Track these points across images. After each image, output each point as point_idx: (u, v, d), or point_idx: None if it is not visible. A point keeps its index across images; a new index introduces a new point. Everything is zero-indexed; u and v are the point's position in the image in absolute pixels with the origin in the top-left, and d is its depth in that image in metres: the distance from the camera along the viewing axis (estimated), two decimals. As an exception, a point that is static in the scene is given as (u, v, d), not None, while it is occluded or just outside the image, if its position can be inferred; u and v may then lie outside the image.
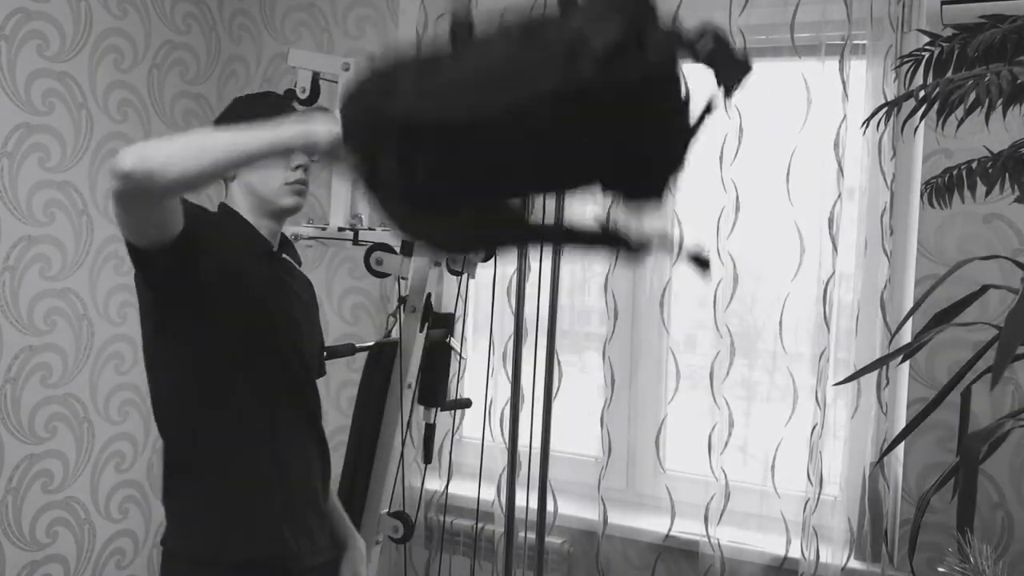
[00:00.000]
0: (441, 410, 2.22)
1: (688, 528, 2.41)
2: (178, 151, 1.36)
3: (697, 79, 1.07)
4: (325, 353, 1.98)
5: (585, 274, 2.74)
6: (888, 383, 2.19)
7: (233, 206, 1.76)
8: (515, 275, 2.25)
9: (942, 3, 1.97)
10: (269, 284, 1.75)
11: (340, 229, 2.30)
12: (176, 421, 1.70)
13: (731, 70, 1.06)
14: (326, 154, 1.36)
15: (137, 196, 1.36)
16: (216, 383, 1.67)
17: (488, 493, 2.54)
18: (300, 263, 1.89)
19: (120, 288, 2.76)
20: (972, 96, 1.33)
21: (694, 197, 2.45)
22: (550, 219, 1.45)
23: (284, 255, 1.83)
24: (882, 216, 2.18)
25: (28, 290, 2.52)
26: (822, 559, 2.24)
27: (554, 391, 2.37)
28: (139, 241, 1.49)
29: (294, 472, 1.74)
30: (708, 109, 1.07)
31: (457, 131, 1.07)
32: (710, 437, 2.38)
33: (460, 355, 2.47)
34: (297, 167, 1.75)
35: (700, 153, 2.35)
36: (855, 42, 2.21)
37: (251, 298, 1.70)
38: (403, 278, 2.06)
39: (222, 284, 1.65)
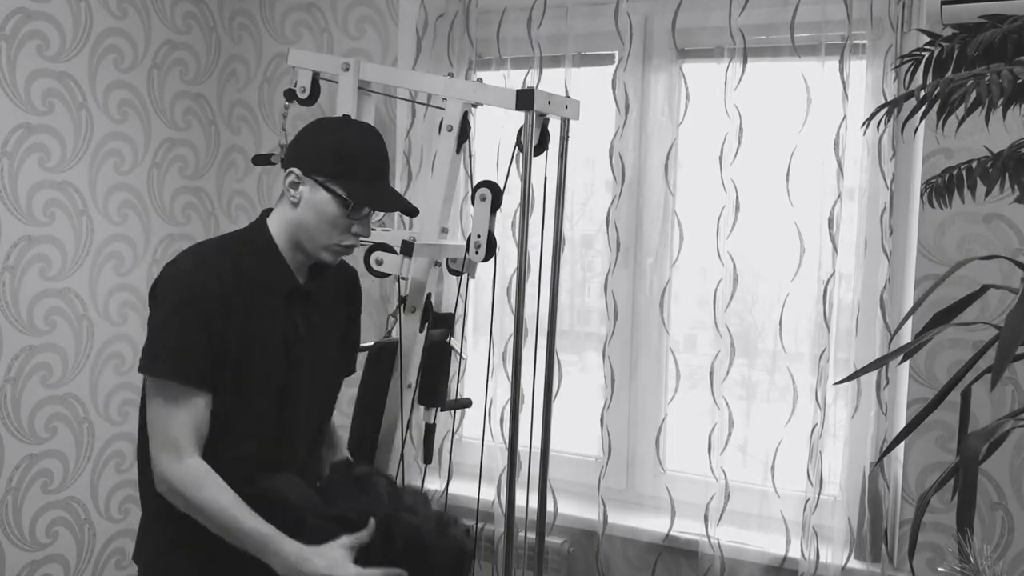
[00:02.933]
0: (441, 410, 2.22)
1: (688, 528, 2.41)
2: (203, 516, 1.61)
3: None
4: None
5: (585, 274, 2.74)
6: (888, 383, 2.19)
7: (273, 226, 1.72)
8: (515, 275, 2.26)
9: (942, 3, 1.97)
10: (283, 339, 1.72)
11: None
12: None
13: None
14: None
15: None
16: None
17: (488, 493, 2.54)
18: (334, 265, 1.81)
19: (120, 288, 2.76)
20: (972, 96, 1.33)
21: (694, 197, 2.45)
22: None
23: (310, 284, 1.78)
24: (882, 216, 2.18)
25: (28, 290, 2.52)
26: (822, 559, 2.24)
27: (554, 391, 2.38)
28: None
29: None
30: None
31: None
32: (710, 437, 2.38)
33: (460, 355, 2.47)
34: (356, 235, 1.70)
35: (700, 153, 2.39)
36: (855, 42, 2.20)
37: (262, 371, 1.70)
38: (403, 278, 2.06)
39: (242, 361, 1.67)
